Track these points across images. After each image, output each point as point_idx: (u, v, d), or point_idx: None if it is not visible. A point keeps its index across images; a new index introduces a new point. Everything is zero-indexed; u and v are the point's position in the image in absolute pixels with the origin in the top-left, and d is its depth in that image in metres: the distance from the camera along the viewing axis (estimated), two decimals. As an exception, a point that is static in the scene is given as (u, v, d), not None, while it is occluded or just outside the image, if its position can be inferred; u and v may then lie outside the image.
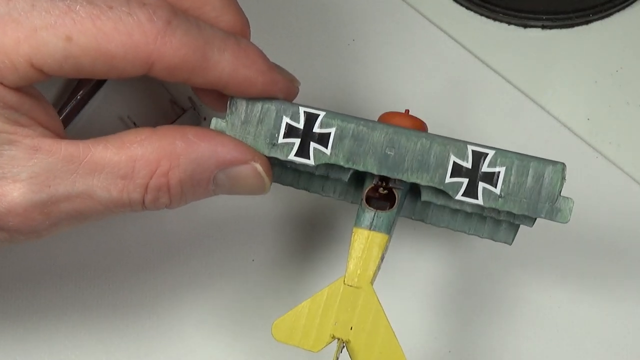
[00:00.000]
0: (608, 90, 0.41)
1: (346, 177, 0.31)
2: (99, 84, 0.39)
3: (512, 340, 0.36)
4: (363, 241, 0.30)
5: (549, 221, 0.29)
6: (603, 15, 0.42)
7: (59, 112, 0.37)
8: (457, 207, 0.31)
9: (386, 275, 0.37)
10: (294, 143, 0.30)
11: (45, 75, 0.27)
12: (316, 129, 0.30)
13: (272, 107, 0.30)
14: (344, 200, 0.34)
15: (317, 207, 0.38)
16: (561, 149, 0.39)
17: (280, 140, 0.30)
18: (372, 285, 0.30)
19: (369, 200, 0.31)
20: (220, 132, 0.30)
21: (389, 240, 0.31)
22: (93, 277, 0.37)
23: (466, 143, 0.29)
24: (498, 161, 0.29)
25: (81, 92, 0.38)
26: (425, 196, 0.31)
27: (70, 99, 0.38)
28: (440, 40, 0.42)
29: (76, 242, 0.37)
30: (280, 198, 0.38)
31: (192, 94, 0.39)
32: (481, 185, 0.29)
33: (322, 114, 0.30)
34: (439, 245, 0.37)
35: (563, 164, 0.29)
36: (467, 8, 0.43)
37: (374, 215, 0.30)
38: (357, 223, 0.30)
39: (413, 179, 0.30)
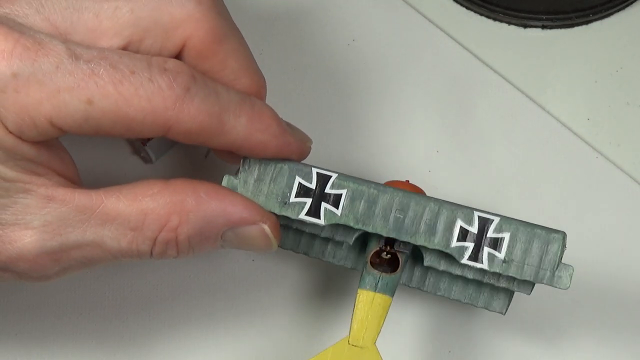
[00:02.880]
0: (608, 90, 0.41)
1: (351, 239, 0.32)
2: None
3: (512, 340, 0.36)
4: (368, 303, 0.31)
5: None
6: (603, 15, 0.42)
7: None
8: (459, 272, 0.32)
9: None
10: (306, 203, 0.31)
11: (63, 132, 0.27)
12: (328, 190, 0.31)
13: (285, 167, 0.31)
14: (343, 266, 0.34)
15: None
16: (561, 149, 0.39)
17: (292, 199, 0.31)
18: (375, 345, 0.30)
19: (372, 265, 0.31)
20: (231, 191, 0.30)
21: (391, 303, 0.31)
22: (93, 277, 0.37)
23: (473, 210, 0.30)
24: (503, 227, 0.30)
25: None
26: (428, 261, 0.32)
27: None
28: (440, 40, 0.42)
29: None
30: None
31: None
32: (486, 250, 0.30)
33: (334, 175, 0.31)
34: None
35: (564, 233, 0.30)
36: (467, 8, 0.43)
37: (379, 278, 0.31)
38: (362, 285, 0.31)
39: (421, 241, 0.30)
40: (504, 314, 0.33)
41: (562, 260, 0.30)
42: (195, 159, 0.39)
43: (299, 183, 0.31)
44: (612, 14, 0.43)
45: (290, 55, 0.41)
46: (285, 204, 0.31)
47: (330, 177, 0.31)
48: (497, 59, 0.42)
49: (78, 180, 0.30)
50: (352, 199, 0.31)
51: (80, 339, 0.36)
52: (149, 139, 0.38)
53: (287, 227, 0.33)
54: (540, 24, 0.42)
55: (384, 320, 0.31)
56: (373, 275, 0.31)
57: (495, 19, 0.43)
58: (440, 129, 0.40)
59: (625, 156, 0.39)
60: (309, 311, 0.36)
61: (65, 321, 0.36)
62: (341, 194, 0.31)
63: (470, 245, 0.30)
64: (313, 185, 0.31)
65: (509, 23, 0.42)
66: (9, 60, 0.26)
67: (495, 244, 0.30)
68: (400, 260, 0.31)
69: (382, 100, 0.40)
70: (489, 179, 0.39)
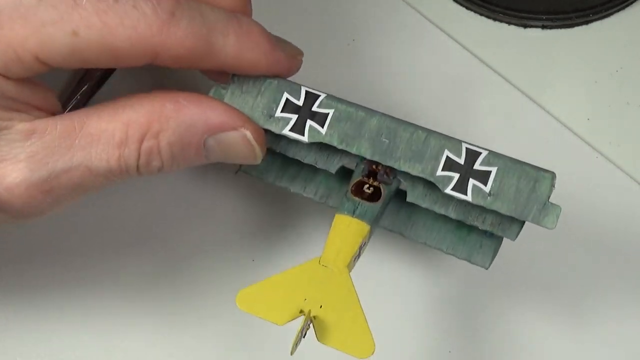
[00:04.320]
0: (608, 90, 0.41)
1: (334, 168, 0.32)
2: (104, 78, 0.38)
3: (512, 340, 0.36)
4: (343, 226, 0.30)
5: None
6: (603, 15, 0.42)
7: (63, 107, 0.37)
8: (442, 211, 0.31)
9: (385, 276, 0.37)
10: (291, 118, 0.30)
11: (50, 67, 0.27)
12: (315, 108, 0.30)
13: (274, 82, 0.31)
14: (324, 204, 0.34)
15: (317, 208, 0.38)
16: (561, 149, 0.39)
17: (278, 114, 0.30)
18: (347, 269, 0.29)
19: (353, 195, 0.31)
20: (212, 98, 0.30)
21: (370, 233, 0.30)
22: (93, 277, 0.37)
23: (461, 141, 0.30)
24: (491, 161, 0.29)
25: (85, 86, 0.38)
26: (411, 197, 0.31)
27: (75, 94, 0.38)
28: (440, 40, 0.42)
29: (75, 243, 0.37)
30: (281, 199, 0.38)
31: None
32: (472, 181, 0.29)
33: (322, 95, 0.31)
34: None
35: (553, 173, 0.29)
36: (467, 8, 0.43)
37: (357, 204, 0.30)
38: (340, 210, 0.30)
39: (405, 167, 0.30)
40: (487, 268, 0.32)
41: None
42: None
43: (287, 99, 0.30)
44: (612, 14, 0.43)
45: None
46: (270, 117, 0.30)
47: (319, 96, 0.31)
48: (497, 59, 0.42)
49: (59, 111, 0.29)
50: (339, 119, 0.30)
51: (81, 339, 0.36)
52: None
53: (272, 154, 0.32)
54: (540, 24, 0.42)
55: (360, 249, 0.30)
56: (353, 201, 0.30)
57: (495, 19, 0.43)
58: (440, 129, 0.40)
59: (625, 156, 0.39)
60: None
61: (66, 321, 0.36)
62: (328, 114, 0.30)
63: (455, 175, 0.29)
64: (300, 103, 0.30)
65: (509, 23, 0.42)
66: None
67: (482, 176, 0.29)
68: (382, 191, 0.31)
69: (382, 101, 0.40)
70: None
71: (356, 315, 0.28)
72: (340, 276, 0.29)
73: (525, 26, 0.42)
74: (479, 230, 0.32)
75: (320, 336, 0.28)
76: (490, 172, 0.29)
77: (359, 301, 0.28)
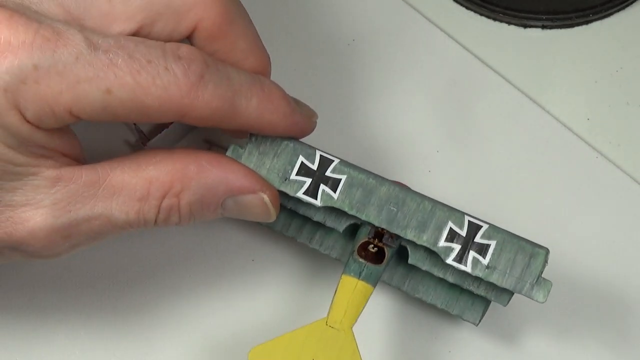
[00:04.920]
0: (608, 90, 0.41)
1: (342, 227, 0.33)
2: None
3: (512, 340, 0.36)
4: (350, 289, 0.31)
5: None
6: (603, 15, 0.42)
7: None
8: (441, 275, 0.32)
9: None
10: (305, 182, 0.32)
11: (80, 120, 0.28)
12: (328, 173, 0.32)
13: (290, 145, 0.32)
14: (328, 255, 0.35)
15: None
16: (561, 149, 0.39)
17: (293, 176, 0.32)
18: (352, 330, 0.31)
19: (359, 255, 0.32)
20: (233, 160, 0.31)
21: (372, 293, 0.32)
22: (93, 277, 0.37)
23: (464, 214, 0.31)
24: (491, 235, 0.31)
25: None
26: (412, 259, 0.32)
27: None
28: (440, 40, 0.42)
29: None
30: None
31: None
32: (472, 254, 0.31)
33: (336, 160, 0.32)
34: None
35: (547, 250, 0.31)
36: (467, 8, 0.43)
37: (364, 267, 0.31)
38: (346, 271, 0.32)
39: (410, 236, 0.31)
40: (477, 325, 0.34)
41: (544, 276, 0.31)
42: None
43: (302, 162, 0.32)
44: (612, 14, 0.43)
45: (290, 55, 0.41)
46: (285, 179, 0.32)
47: (333, 161, 0.32)
48: (497, 59, 0.42)
49: (83, 159, 0.30)
50: (350, 185, 0.31)
51: (81, 339, 0.36)
52: (148, 139, 0.38)
53: (281, 208, 0.33)
54: (540, 24, 0.42)
55: (363, 309, 0.31)
56: (359, 263, 0.31)
57: (495, 19, 0.43)
58: (440, 129, 0.40)
59: (625, 156, 0.39)
60: (308, 313, 0.36)
61: (65, 321, 0.36)
62: (340, 179, 0.32)
63: (457, 247, 0.31)
64: (315, 167, 0.32)
65: (509, 23, 0.42)
66: (29, 52, 0.26)
67: (481, 249, 0.31)
68: (386, 253, 0.32)
69: (382, 101, 0.40)
70: (489, 179, 0.39)
71: None
72: (345, 337, 0.30)
73: (525, 26, 0.42)
74: (469, 294, 0.34)
75: None
76: (489, 245, 0.31)
77: None
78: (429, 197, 0.32)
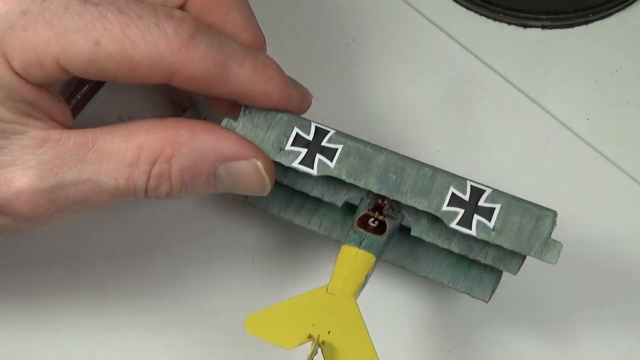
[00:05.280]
0: (608, 90, 0.41)
1: (340, 201, 0.32)
2: (99, 84, 0.38)
3: (512, 339, 0.36)
4: (351, 257, 0.31)
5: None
6: (603, 15, 0.42)
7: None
8: (445, 245, 0.32)
9: (382, 272, 0.37)
10: (300, 152, 0.31)
11: (69, 74, 0.28)
12: (324, 143, 0.31)
13: (284, 117, 0.31)
14: (328, 237, 0.34)
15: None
16: (561, 149, 0.40)
17: (288, 147, 0.31)
18: (354, 298, 0.30)
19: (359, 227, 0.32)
20: (225, 128, 0.30)
21: (375, 263, 0.31)
22: (92, 278, 0.37)
23: (466, 179, 0.30)
24: (495, 199, 0.30)
25: (81, 92, 0.38)
26: (415, 231, 0.32)
27: (71, 99, 0.38)
28: (440, 40, 0.42)
29: (74, 244, 0.37)
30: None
31: (193, 94, 0.39)
32: (476, 217, 0.30)
33: (332, 131, 0.31)
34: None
35: (554, 212, 0.30)
36: (467, 8, 0.43)
37: (364, 236, 0.31)
38: (346, 242, 0.31)
39: (411, 202, 0.30)
40: (487, 302, 0.33)
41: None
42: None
43: (297, 133, 0.31)
44: (612, 14, 0.43)
45: (290, 55, 0.41)
46: (280, 150, 0.31)
47: (328, 132, 0.31)
48: (497, 59, 0.42)
49: (72, 126, 0.30)
50: (347, 154, 0.31)
51: (80, 339, 0.36)
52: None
53: (277, 187, 0.33)
54: (540, 24, 0.42)
55: (366, 279, 0.31)
56: (359, 233, 0.31)
57: (495, 19, 0.43)
58: (440, 129, 0.40)
59: (625, 156, 0.39)
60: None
61: (65, 322, 0.36)
62: (337, 149, 0.31)
63: (460, 211, 0.30)
64: (310, 137, 0.31)
65: (509, 23, 0.42)
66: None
67: (486, 213, 0.30)
68: (387, 225, 0.31)
69: (382, 101, 0.40)
70: (489, 179, 0.39)
71: (364, 342, 0.29)
72: (347, 303, 0.29)
73: (525, 26, 0.42)
74: (479, 265, 0.33)
75: None
76: (494, 209, 0.30)
77: (366, 328, 0.29)
78: (429, 164, 0.31)
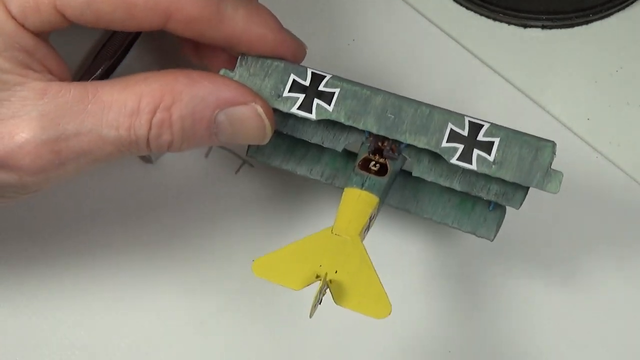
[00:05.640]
0: (608, 90, 0.41)
1: (340, 146, 0.33)
2: (118, 60, 0.39)
3: (512, 339, 0.36)
4: (353, 198, 0.31)
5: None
6: (603, 15, 0.42)
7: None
8: (447, 184, 0.32)
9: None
10: (298, 98, 0.31)
11: (66, 21, 0.28)
12: (321, 88, 0.31)
13: (280, 65, 0.32)
14: (331, 185, 0.35)
15: (319, 207, 0.38)
16: (561, 149, 0.39)
17: (285, 94, 0.31)
18: (359, 238, 0.30)
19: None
20: (223, 76, 0.31)
21: (379, 205, 0.31)
22: (92, 276, 0.37)
23: (464, 115, 0.31)
24: (493, 133, 0.30)
25: (100, 70, 0.38)
26: (417, 171, 0.32)
27: (90, 74, 0.38)
28: (440, 40, 0.42)
29: (73, 242, 0.37)
30: (282, 198, 0.38)
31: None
32: (476, 152, 0.30)
33: (328, 76, 0.32)
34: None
35: (554, 142, 0.30)
36: (467, 8, 0.43)
37: (366, 178, 0.31)
38: (348, 184, 0.31)
39: (411, 140, 0.31)
40: (492, 240, 0.33)
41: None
42: (195, 159, 0.39)
43: (294, 80, 0.32)
44: (612, 14, 0.43)
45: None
46: (278, 97, 0.32)
47: (325, 76, 0.32)
48: (497, 59, 0.42)
49: (69, 80, 0.30)
50: (345, 97, 0.31)
51: (79, 339, 0.36)
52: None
53: (278, 138, 0.33)
54: (540, 24, 0.42)
55: (370, 221, 0.31)
56: (361, 175, 0.31)
57: (495, 19, 0.43)
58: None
59: (625, 156, 0.39)
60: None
61: (65, 321, 0.36)
62: (334, 93, 0.31)
63: (460, 146, 0.30)
64: (307, 83, 0.31)
65: (509, 23, 0.42)
66: None
67: (486, 147, 0.30)
68: (389, 166, 0.32)
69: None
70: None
71: (371, 278, 0.29)
72: (353, 243, 0.29)
73: (525, 26, 0.42)
74: (482, 206, 0.33)
75: (337, 299, 0.29)
76: (493, 142, 0.30)
77: (372, 265, 0.29)
78: (427, 103, 0.31)
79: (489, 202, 0.33)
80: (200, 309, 0.36)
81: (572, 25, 0.42)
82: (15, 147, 0.28)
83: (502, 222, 0.33)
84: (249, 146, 0.35)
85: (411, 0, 0.43)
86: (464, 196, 0.33)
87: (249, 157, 0.35)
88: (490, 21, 0.43)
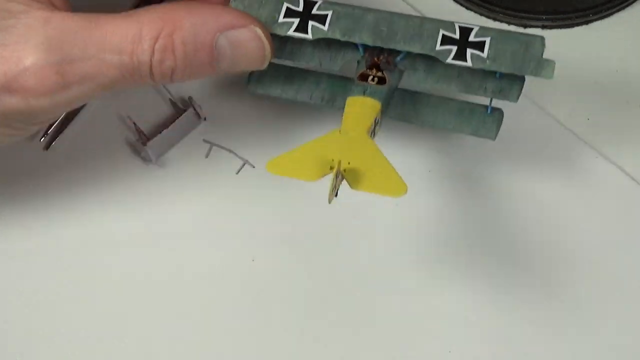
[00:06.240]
0: (608, 90, 0.41)
1: (337, 66, 0.35)
2: None
3: (512, 339, 0.36)
4: (357, 103, 0.32)
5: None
6: (603, 15, 0.42)
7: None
8: (445, 87, 0.34)
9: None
10: (293, 22, 0.33)
11: None
12: (314, 11, 0.33)
13: None
14: (331, 108, 0.36)
15: (319, 206, 0.38)
16: (561, 149, 0.39)
17: (281, 19, 0.33)
18: (368, 135, 0.31)
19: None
20: (221, 4, 0.32)
21: (381, 111, 0.32)
22: (91, 276, 0.37)
23: (453, 22, 0.33)
24: (483, 33, 0.32)
25: None
26: (413, 80, 0.34)
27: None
28: (440, 40, 0.42)
29: (73, 242, 0.37)
30: (282, 197, 0.38)
31: (192, 96, 0.39)
32: (469, 50, 0.32)
33: (320, 0, 0.33)
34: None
35: (542, 36, 0.32)
36: (467, 8, 0.43)
37: (367, 87, 0.33)
38: (351, 94, 0.33)
39: (406, 47, 0.33)
40: (494, 139, 0.35)
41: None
42: (196, 159, 0.39)
43: (287, 7, 0.33)
44: (612, 14, 0.43)
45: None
46: (274, 23, 0.33)
47: (317, 1, 0.33)
48: (497, 59, 0.41)
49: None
50: (338, 17, 0.33)
51: (79, 341, 0.36)
52: (148, 139, 0.38)
53: (277, 69, 0.35)
54: (540, 24, 0.42)
55: (374, 125, 0.32)
56: (362, 85, 0.33)
57: (495, 19, 0.43)
58: (440, 129, 0.40)
59: (625, 156, 0.39)
60: (311, 311, 0.36)
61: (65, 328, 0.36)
62: (327, 14, 0.33)
63: (454, 47, 0.32)
64: (300, 9, 0.33)
65: (509, 23, 0.42)
66: None
67: (478, 46, 0.32)
68: (387, 76, 0.33)
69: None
70: (489, 179, 0.39)
71: (383, 164, 0.30)
72: (362, 139, 0.30)
73: (525, 26, 0.42)
74: (480, 112, 0.35)
75: (354, 184, 0.30)
76: (484, 41, 0.32)
77: (383, 154, 0.30)
78: (417, 15, 0.33)
79: (486, 108, 0.35)
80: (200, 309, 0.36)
81: (572, 25, 0.42)
82: (21, 69, 0.29)
83: (501, 123, 0.35)
84: (249, 79, 0.36)
85: (411, 0, 0.43)
86: (462, 105, 0.35)
87: (249, 89, 0.37)
88: (490, 21, 0.43)
